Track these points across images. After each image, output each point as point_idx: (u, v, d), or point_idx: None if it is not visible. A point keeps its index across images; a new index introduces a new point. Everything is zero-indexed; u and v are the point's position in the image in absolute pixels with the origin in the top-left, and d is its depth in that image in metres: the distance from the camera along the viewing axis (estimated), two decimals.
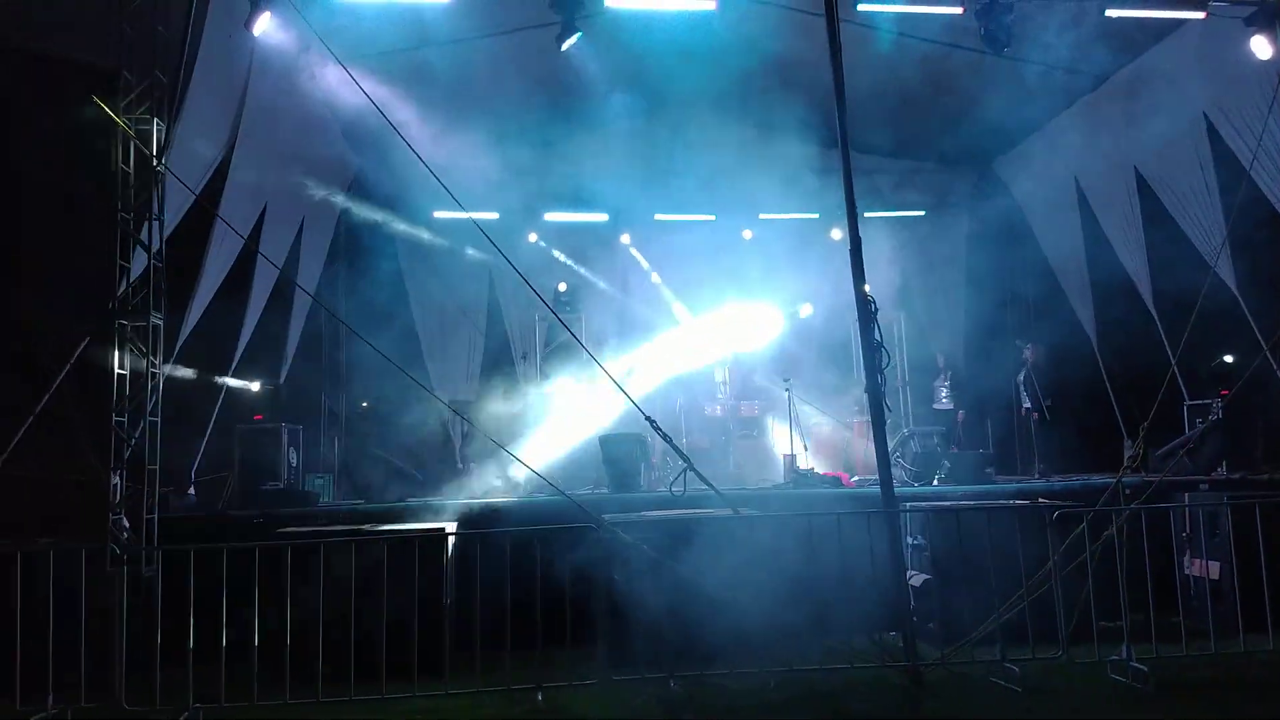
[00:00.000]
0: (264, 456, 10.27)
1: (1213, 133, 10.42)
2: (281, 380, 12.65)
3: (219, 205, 9.48)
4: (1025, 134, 13.52)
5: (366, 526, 7.69)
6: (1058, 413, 11.87)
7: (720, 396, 13.37)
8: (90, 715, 6.20)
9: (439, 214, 13.58)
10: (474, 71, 10.62)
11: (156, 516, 7.72)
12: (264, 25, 8.59)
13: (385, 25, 9.62)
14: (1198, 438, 9.86)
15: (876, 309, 7.15)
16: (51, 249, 7.88)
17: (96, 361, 7.58)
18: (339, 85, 9.20)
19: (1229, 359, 11.53)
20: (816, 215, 14.26)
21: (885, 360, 7.15)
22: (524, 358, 14.64)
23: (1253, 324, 10.17)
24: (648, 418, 7.98)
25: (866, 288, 7.13)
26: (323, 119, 11.35)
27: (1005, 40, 9.49)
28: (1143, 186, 11.82)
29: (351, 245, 14.12)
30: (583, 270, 14.75)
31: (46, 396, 7.28)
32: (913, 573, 7.83)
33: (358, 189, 13.64)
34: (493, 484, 10.50)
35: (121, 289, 7.76)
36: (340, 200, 13.22)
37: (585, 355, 9.26)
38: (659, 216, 14.72)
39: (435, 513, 8.75)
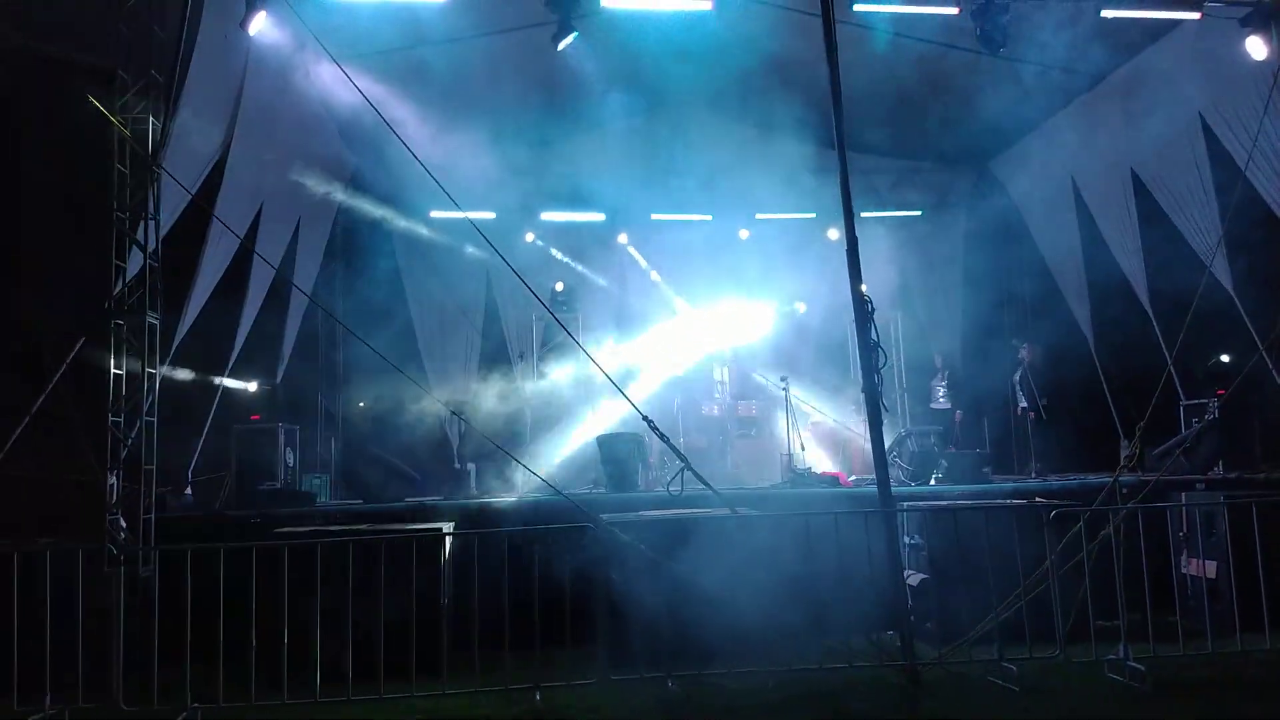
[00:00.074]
0: (261, 456, 10.26)
1: (1208, 133, 10.44)
2: (278, 380, 12.64)
3: (215, 205, 9.47)
4: (1022, 134, 13.55)
5: (364, 526, 7.68)
6: (1054, 412, 11.90)
7: (717, 396, 13.37)
8: (88, 715, 6.19)
9: (436, 214, 13.58)
10: (470, 71, 10.61)
11: (154, 517, 7.71)
12: (260, 25, 8.57)
13: (381, 24, 9.61)
14: (1194, 437, 9.88)
15: (873, 309, 7.15)
16: (48, 249, 7.87)
17: (93, 361, 7.56)
18: (335, 84, 9.19)
19: (1225, 358, 11.57)
20: (814, 215, 14.29)
21: (882, 360, 7.15)
22: (521, 357, 14.64)
23: (1248, 324, 10.20)
24: (645, 418, 7.99)
25: (863, 287, 7.14)
26: (319, 118, 11.35)
27: (1001, 40, 9.50)
28: (1139, 186, 11.85)
29: (348, 245, 14.12)
30: (580, 267, 14.75)
31: (43, 396, 7.26)
32: (910, 572, 7.84)
33: (354, 188, 13.62)
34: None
35: (118, 289, 7.74)
36: (337, 200, 13.22)
37: (582, 355, 9.25)
38: (656, 216, 14.73)
39: (433, 512, 8.75)
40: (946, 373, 13.48)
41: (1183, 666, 6.65)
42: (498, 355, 14.78)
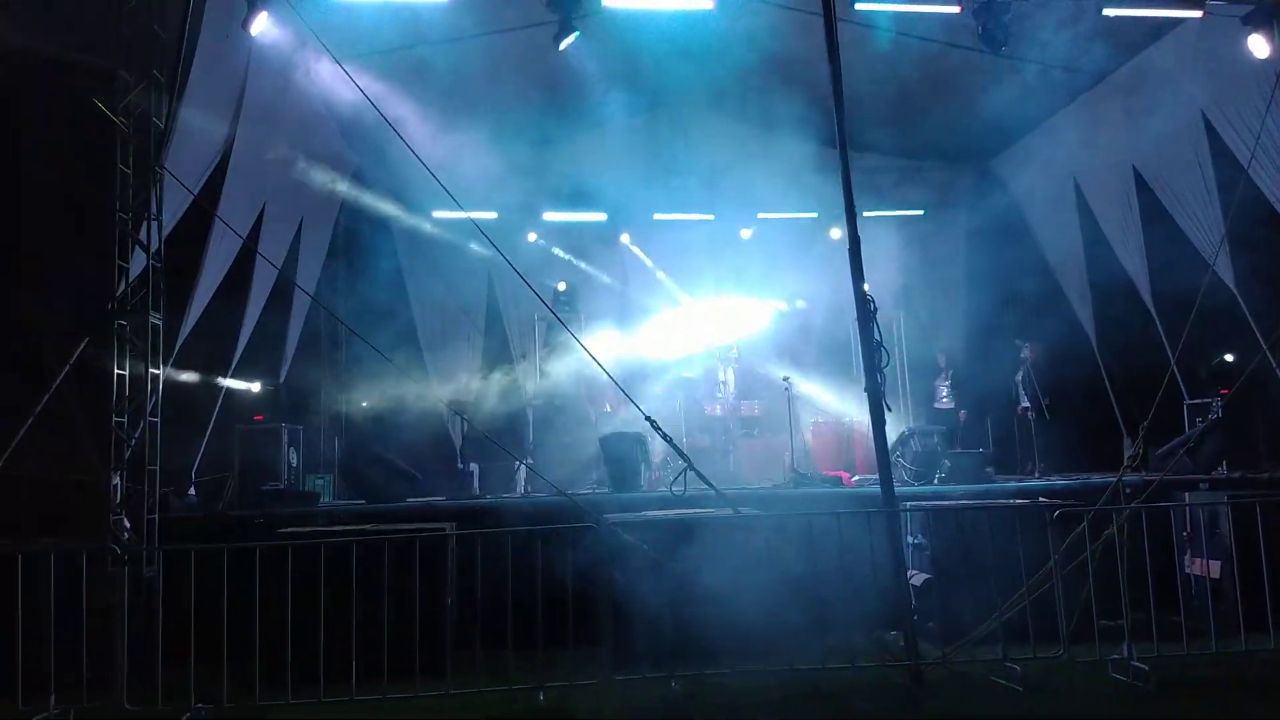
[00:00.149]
0: (264, 457, 10.26)
1: (1211, 131, 10.43)
2: (281, 380, 12.65)
3: (218, 205, 9.47)
4: (1023, 132, 13.54)
5: (367, 526, 7.69)
6: (1057, 412, 11.88)
7: (720, 395, 13.37)
8: (92, 715, 6.19)
9: (438, 213, 13.58)
10: (471, 71, 10.61)
11: (157, 517, 7.72)
12: (261, 25, 8.57)
13: (382, 24, 9.61)
14: (1198, 436, 9.88)
15: (876, 308, 7.15)
16: (51, 249, 7.86)
17: (96, 362, 7.57)
18: (337, 84, 9.19)
19: (1229, 357, 11.55)
20: (815, 214, 14.27)
21: (885, 359, 7.15)
22: (523, 357, 14.64)
23: (1251, 322, 10.18)
24: (648, 417, 7.98)
25: (866, 286, 7.14)
26: (321, 118, 11.35)
27: (1003, 39, 9.49)
28: (1141, 185, 11.84)
29: (351, 245, 14.13)
30: (583, 264, 14.74)
31: (46, 397, 7.26)
32: (913, 572, 7.84)
33: (356, 188, 13.63)
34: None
35: (121, 289, 7.76)
36: (339, 199, 13.23)
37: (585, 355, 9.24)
38: (658, 216, 14.72)
39: (436, 512, 8.75)
40: (950, 372, 13.47)
41: (1187, 666, 6.64)
42: (500, 355, 14.78)
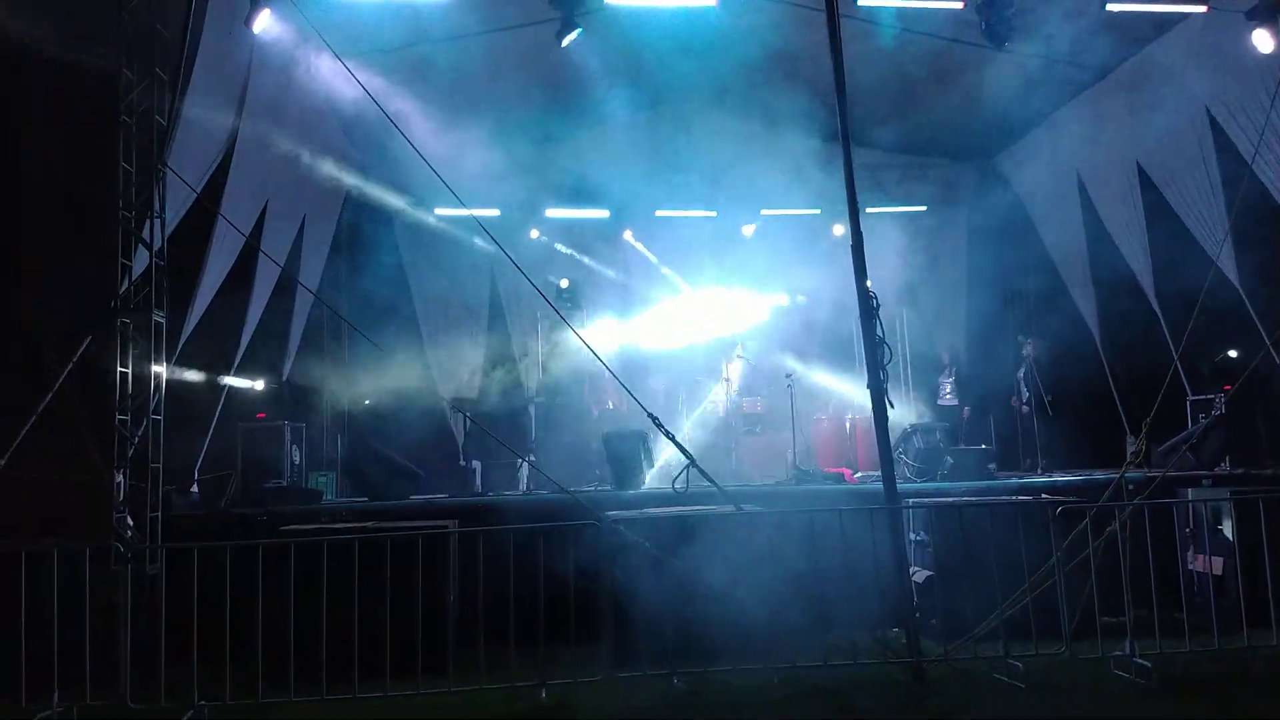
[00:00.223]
0: (267, 454, 10.26)
1: (1215, 126, 10.39)
2: (284, 378, 12.66)
3: (220, 203, 9.48)
4: (1027, 128, 13.51)
5: (370, 524, 7.70)
6: (1060, 408, 11.87)
7: (723, 394, 13.36)
8: (95, 713, 6.20)
9: (440, 211, 13.57)
10: (474, 68, 10.61)
11: (160, 515, 7.74)
12: (264, 23, 8.58)
13: (385, 21, 9.62)
14: (1200, 433, 9.86)
15: (878, 304, 7.14)
16: (53, 248, 7.88)
17: (99, 361, 7.58)
18: (339, 81, 9.20)
19: (1233, 353, 11.52)
20: (818, 210, 14.25)
21: (887, 356, 7.14)
22: (525, 354, 14.64)
23: (1255, 318, 10.16)
24: (650, 414, 7.98)
25: (868, 283, 7.13)
26: (323, 115, 11.35)
27: (1006, 34, 9.48)
28: (1145, 181, 11.80)
29: (353, 242, 14.13)
30: (586, 259, 14.74)
31: (49, 396, 7.28)
32: (915, 569, 7.83)
33: (359, 185, 13.63)
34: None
35: (124, 287, 7.77)
36: (342, 196, 13.23)
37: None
38: (660, 213, 14.71)
39: (438, 510, 8.76)
40: (953, 369, 13.46)
41: (1189, 663, 6.63)
42: (502, 352, 14.78)
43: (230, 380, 11.27)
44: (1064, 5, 9.65)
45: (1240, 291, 10.37)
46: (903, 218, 14.52)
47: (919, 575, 7.80)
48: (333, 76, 9.47)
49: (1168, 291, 11.74)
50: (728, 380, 13.43)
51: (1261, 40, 9.26)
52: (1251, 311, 10.27)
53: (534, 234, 14.45)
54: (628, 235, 14.91)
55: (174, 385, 8.67)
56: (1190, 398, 10.82)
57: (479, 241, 13.11)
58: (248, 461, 10.20)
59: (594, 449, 11.66)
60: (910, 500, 8.16)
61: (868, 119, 11.97)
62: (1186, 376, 10.84)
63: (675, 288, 14.66)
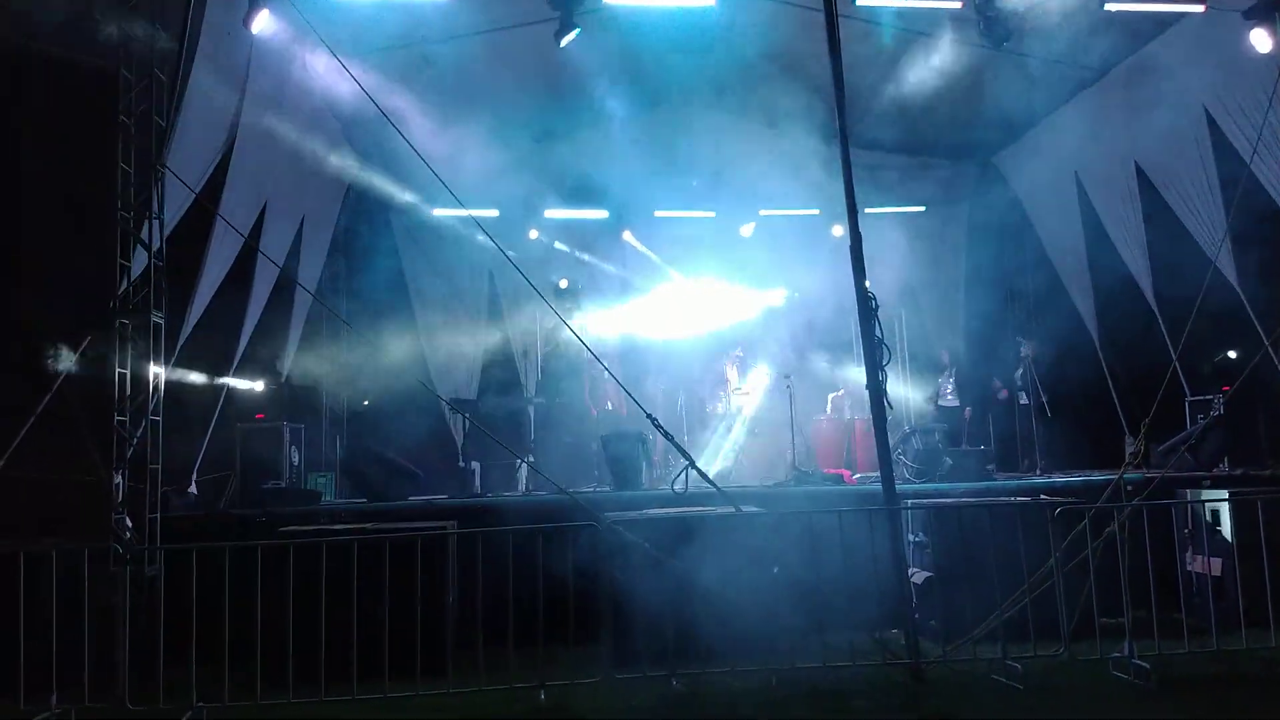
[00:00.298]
0: (265, 455, 10.27)
1: (1213, 126, 10.39)
2: (283, 378, 12.65)
3: (219, 203, 9.47)
4: (1025, 128, 13.51)
5: (369, 525, 7.70)
6: (1059, 409, 11.87)
7: (722, 394, 13.35)
8: (94, 715, 6.21)
9: (439, 211, 13.55)
10: (473, 68, 10.60)
11: (159, 516, 7.73)
12: (263, 23, 8.57)
13: (383, 22, 9.61)
14: (1199, 434, 9.86)
15: (877, 305, 7.14)
16: (52, 249, 7.88)
17: (98, 361, 7.58)
18: (338, 82, 9.19)
19: (1233, 354, 11.52)
20: (818, 211, 14.25)
21: (886, 356, 7.14)
22: (525, 355, 14.64)
23: (1254, 319, 10.16)
24: (649, 415, 7.98)
25: (867, 283, 7.13)
26: (322, 116, 11.35)
27: (1004, 34, 9.48)
28: (1143, 180, 11.80)
29: (352, 242, 14.12)
30: (585, 256, 14.73)
31: (48, 397, 7.28)
32: (914, 570, 7.83)
33: (358, 186, 13.63)
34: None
35: (122, 288, 7.76)
36: (341, 197, 13.21)
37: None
38: (659, 213, 14.70)
39: (437, 511, 8.76)
40: (954, 369, 13.46)
41: (1188, 664, 6.64)
42: (501, 352, 14.77)
43: (229, 381, 11.27)
44: (1062, 5, 9.65)
45: (1239, 291, 10.37)
46: (902, 218, 14.51)
47: (918, 576, 7.80)
48: (331, 76, 9.46)
49: (1166, 291, 11.75)
50: (727, 381, 13.42)
51: (1259, 39, 9.26)
52: (1250, 311, 10.27)
53: (533, 234, 14.44)
54: (627, 235, 14.90)
55: (173, 386, 8.67)
56: (1189, 398, 10.82)
57: (478, 242, 13.10)
58: (246, 462, 10.21)
59: (593, 450, 11.65)
60: (909, 501, 8.17)
61: (866, 119, 11.99)
62: (1185, 377, 10.84)
63: (674, 281, 14.67)
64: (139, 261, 7.92)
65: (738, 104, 12.72)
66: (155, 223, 7.88)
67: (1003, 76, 10.83)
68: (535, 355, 14.67)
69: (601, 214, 14.72)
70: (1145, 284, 12.11)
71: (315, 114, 11.19)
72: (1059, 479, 10.30)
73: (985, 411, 12.81)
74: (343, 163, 12.31)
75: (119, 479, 7.48)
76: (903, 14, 10.08)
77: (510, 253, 8.15)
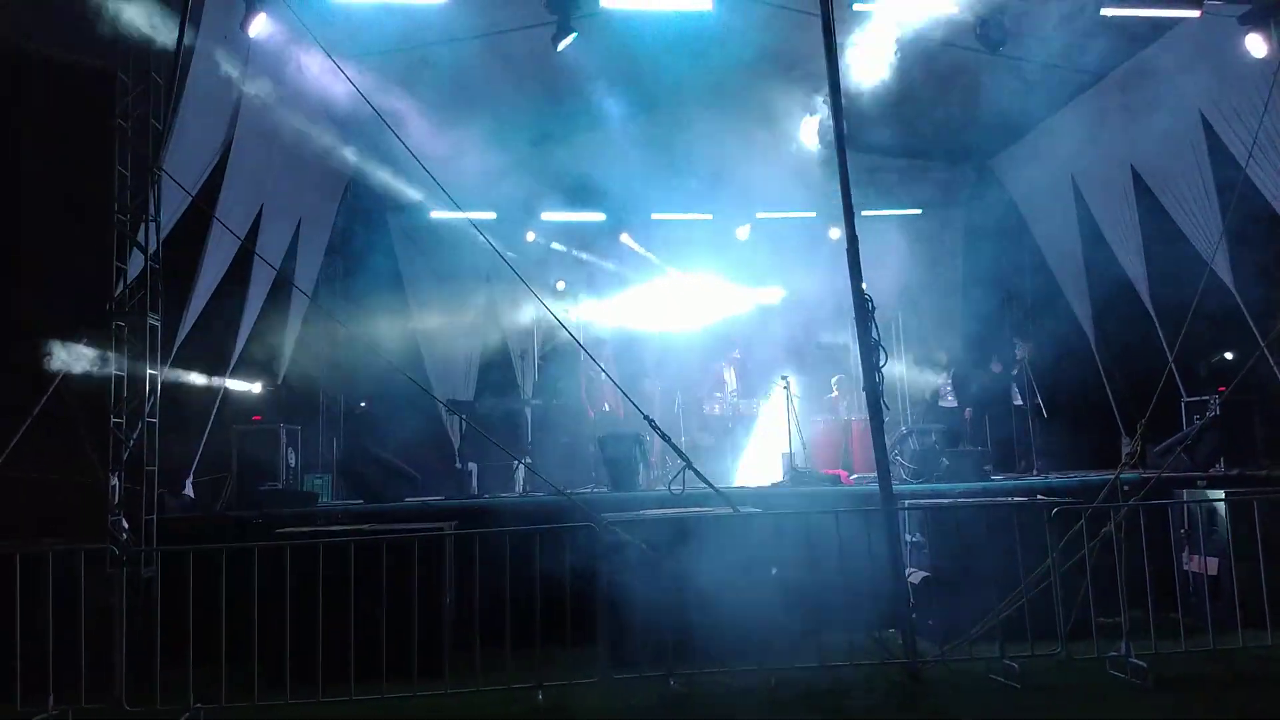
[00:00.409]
0: (262, 457, 10.25)
1: (1209, 130, 10.44)
2: (280, 380, 12.65)
3: (216, 206, 9.47)
4: (1022, 132, 13.55)
5: (365, 526, 7.70)
6: (1056, 410, 11.89)
7: (719, 395, 13.37)
8: (91, 716, 6.19)
9: (436, 214, 13.58)
10: (470, 72, 10.61)
11: (155, 517, 7.73)
12: (260, 26, 8.58)
13: (380, 25, 9.60)
14: (1195, 434, 9.88)
15: (874, 307, 7.15)
16: (48, 251, 7.86)
17: (95, 363, 7.57)
18: (335, 85, 9.19)
19: (1229, 355, 11.56)
20: (814, 214, 14.28)
21: (883, 358, 7.16)
22: (522, 356, 14.64)
23: (1250, 321, 10.19)
24: (646, 417, 7.99)
25: (864, 285, 7.14)
26: (319, 119, 11.35)
27: (1001, 38, 9.52)
28: (1139, 184, 11.84)
29: (349, 245, 14.12)
30: (583, 255, 14.74)
31: (44, 398, 7.27)
32: (912, 570, 7.84)
33: (354, 188, 13.65)
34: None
35: (119, 290, 7.77)
36: (337, 200, 13.20)
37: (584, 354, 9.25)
38: (656, 215, 14.72)
39: (434, 512, 8.76)
40: (952, 371, 13.49)
41: (1185, 663, 6.65)
42: (498, 354, 14.78)
43: (226, 382, 11.26)
44: (1059, 9, 9.68)
45: (1235, 294, 10.41)
46: (899, 220, 14.56)
47: (915, 576, 7.81)
48: (328, 79, 9.46)
49: (1162, 294, 11.78)
50: (725, 383, 13.44)
51: (1255, 44, 9.31)
52: (1246, 314, 10.30)
53: (530, 236, 14.45)
54: (625, 238, 14.93)
55: (169, 387, 8.66)
56: (1185, 399, 10.84)
57: (475, 243, 13.11)
58: (243, 464, 10.19)
59: (590, 451, 11.65)
60: (906, 502, 8.17)
61: (863, 122, 12.01)
62: (1181, 378, 10.87)
63: (672, 278, 14.72)
64: (135, 264, 7.92)
65: (735, 107, 12.74)
66: (152, 225, 7.89)
67: (999, 80, 10.86)
68: (532, 356, 14.68)
69: (598, 216, 14.74)
70: (1141, 286, 12.14)
71: (313, 116, 11.19)
72: (1056, 479, 10.31)
73: (983, 413, 12.83)
74: (340, 165, 12.32)
75: (115, 480, 7.48)
76: (900, 18, 10.09)
77: (507, 255, 8.14)
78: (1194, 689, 6.29)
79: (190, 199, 8.58)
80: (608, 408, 12.66)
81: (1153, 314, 11.92)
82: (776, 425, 12.12)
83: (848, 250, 7.17)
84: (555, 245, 14.60)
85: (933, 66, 11.15)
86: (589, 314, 14.00)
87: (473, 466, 11.67)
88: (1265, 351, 8.86)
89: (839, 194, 7.26)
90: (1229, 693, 6.26)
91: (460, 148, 10.60)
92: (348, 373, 13.90)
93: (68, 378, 7.41)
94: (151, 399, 7.81)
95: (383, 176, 12.47)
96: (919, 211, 15.18)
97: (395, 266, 14.26)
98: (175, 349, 9.59)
